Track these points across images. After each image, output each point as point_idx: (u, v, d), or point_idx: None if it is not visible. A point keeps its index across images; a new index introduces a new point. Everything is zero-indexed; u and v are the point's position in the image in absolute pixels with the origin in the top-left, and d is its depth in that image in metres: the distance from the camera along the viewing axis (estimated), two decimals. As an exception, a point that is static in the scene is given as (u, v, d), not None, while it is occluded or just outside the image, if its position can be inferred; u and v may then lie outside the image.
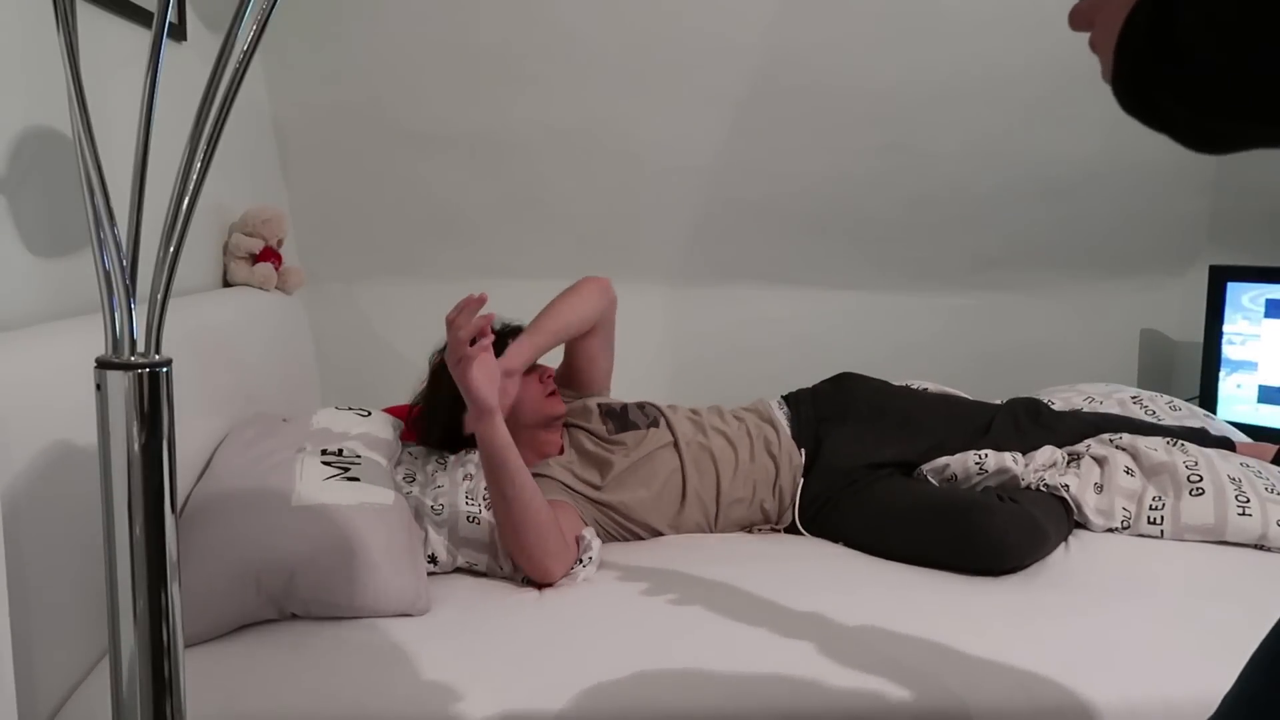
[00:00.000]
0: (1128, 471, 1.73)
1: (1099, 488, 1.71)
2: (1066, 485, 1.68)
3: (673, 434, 1.75)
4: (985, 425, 1.87)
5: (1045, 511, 1.58)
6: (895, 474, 1.76)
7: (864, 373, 2.06)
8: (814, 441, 1.81)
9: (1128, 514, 1.68)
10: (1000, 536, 1.50)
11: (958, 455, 1.75)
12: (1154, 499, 1.69)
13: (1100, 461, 1.77)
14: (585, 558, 1.47)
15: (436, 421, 1.76)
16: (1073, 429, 1.91)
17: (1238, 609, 1.36)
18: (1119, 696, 1.17)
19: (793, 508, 1.74)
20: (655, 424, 1.78)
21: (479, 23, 2.24)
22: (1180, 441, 1.81)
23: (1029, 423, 1.90)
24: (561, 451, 1.76)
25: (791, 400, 1.93)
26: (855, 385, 1.98)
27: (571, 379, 1.89)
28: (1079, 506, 1.67)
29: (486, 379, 1.37)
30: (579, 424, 1.78)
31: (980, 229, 2.75)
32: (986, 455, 1.73)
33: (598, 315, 1.80)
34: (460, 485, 1.60)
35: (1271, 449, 1.91)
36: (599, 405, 1.81)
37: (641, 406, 1.83)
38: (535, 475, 1.65)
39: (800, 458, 1.78)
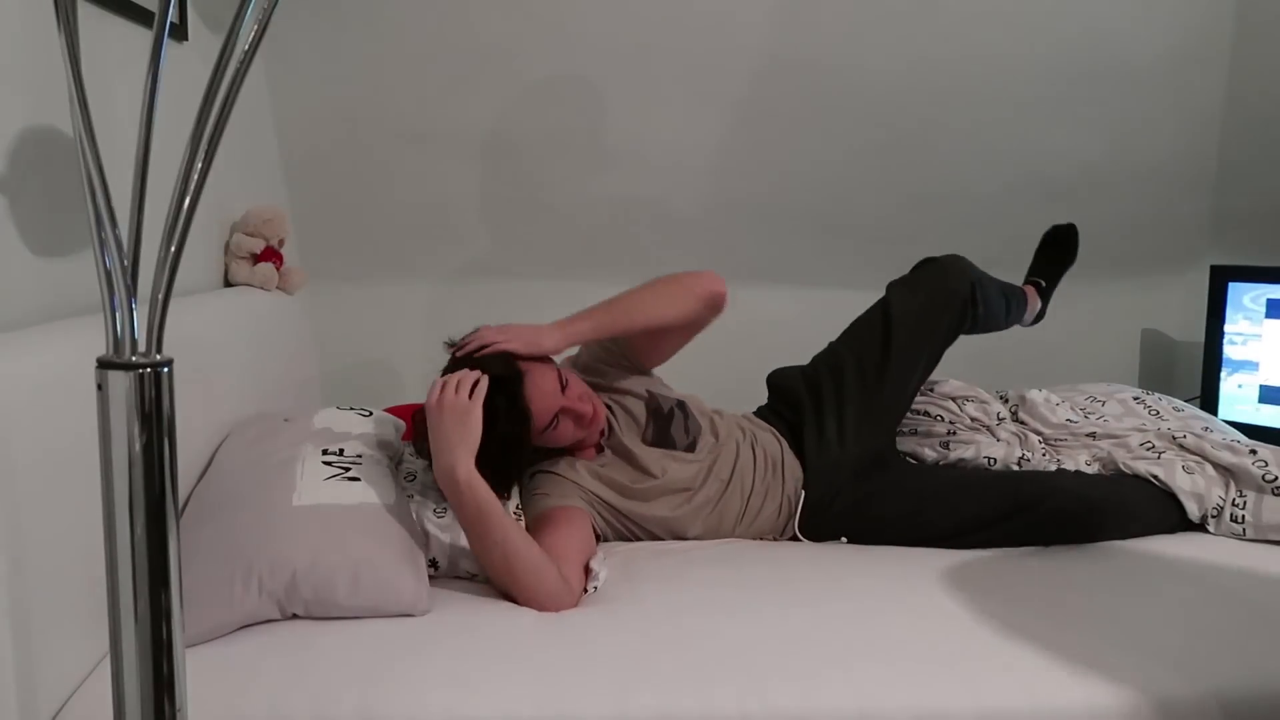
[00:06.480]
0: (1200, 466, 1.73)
1: (1189, 470, 1.71)
2: (1155, 475, 1.69)
3: (710, 462, 1.71)
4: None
5: (1132, 490, 1.66)
6: (913, 462, 1.85)
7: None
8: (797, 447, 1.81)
9: (1221, 501, 1.66)
10: (1088, 505, 1.61)
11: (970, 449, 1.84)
12: (1237, 495, 1.67)
13: (1181, 452, 1.78)
14: (591, 586, 1.43)
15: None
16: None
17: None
18: (1119, 696, 1.17)
19: (794, 517, 1.73)
20: (692, 448, 1.71)
21: (479, 22, 2.24)
22: (1235, 440, 1.83)
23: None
24: (599, 450, 1.70)
25: (762, 415, 1.90)
26: (782, 381, 1.96)
27: (627, 347, 1.77)
28: (1174, 493, 1.67)
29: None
30: (620, 414, 1.72)
31: (981, 229, 2.74)
32: (994, 461, 1.81)
33: (675, 319, 1.66)
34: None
35: None
36: (648, 394, 1.76)
37: (686, 417, 1.74)
38: (553, 475, 1.62)
39: (799, 469, 1.77)
